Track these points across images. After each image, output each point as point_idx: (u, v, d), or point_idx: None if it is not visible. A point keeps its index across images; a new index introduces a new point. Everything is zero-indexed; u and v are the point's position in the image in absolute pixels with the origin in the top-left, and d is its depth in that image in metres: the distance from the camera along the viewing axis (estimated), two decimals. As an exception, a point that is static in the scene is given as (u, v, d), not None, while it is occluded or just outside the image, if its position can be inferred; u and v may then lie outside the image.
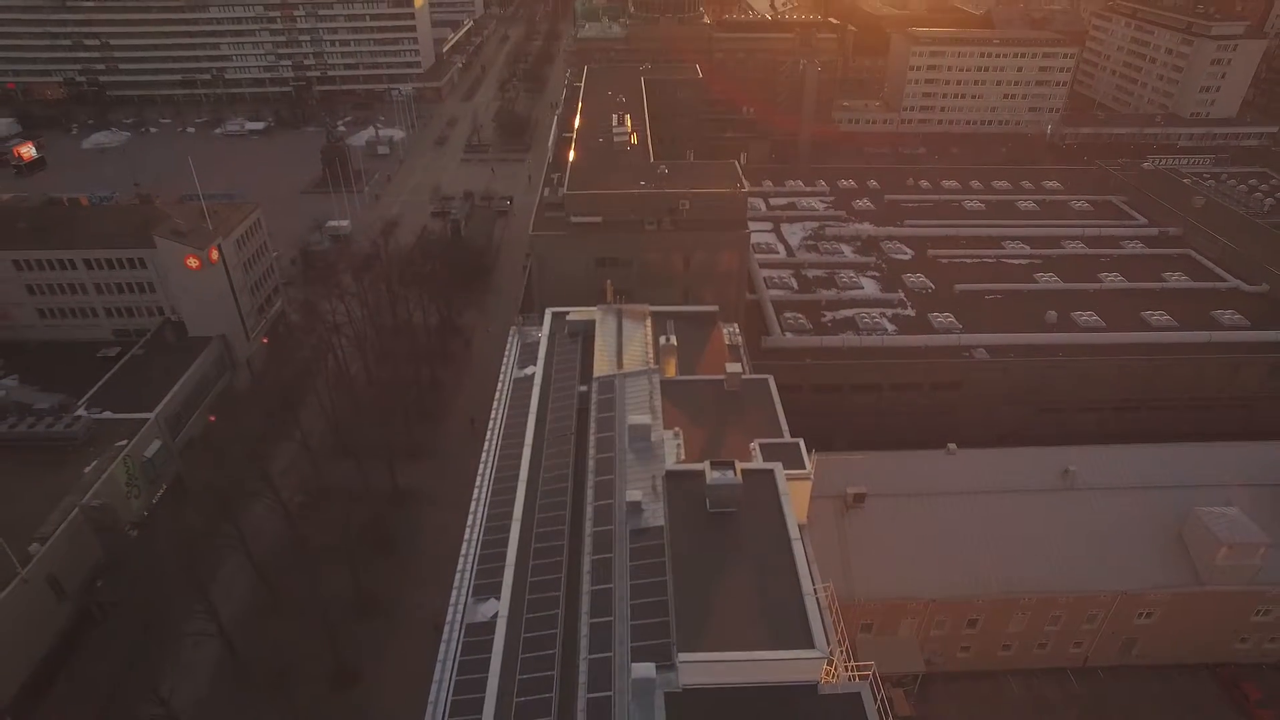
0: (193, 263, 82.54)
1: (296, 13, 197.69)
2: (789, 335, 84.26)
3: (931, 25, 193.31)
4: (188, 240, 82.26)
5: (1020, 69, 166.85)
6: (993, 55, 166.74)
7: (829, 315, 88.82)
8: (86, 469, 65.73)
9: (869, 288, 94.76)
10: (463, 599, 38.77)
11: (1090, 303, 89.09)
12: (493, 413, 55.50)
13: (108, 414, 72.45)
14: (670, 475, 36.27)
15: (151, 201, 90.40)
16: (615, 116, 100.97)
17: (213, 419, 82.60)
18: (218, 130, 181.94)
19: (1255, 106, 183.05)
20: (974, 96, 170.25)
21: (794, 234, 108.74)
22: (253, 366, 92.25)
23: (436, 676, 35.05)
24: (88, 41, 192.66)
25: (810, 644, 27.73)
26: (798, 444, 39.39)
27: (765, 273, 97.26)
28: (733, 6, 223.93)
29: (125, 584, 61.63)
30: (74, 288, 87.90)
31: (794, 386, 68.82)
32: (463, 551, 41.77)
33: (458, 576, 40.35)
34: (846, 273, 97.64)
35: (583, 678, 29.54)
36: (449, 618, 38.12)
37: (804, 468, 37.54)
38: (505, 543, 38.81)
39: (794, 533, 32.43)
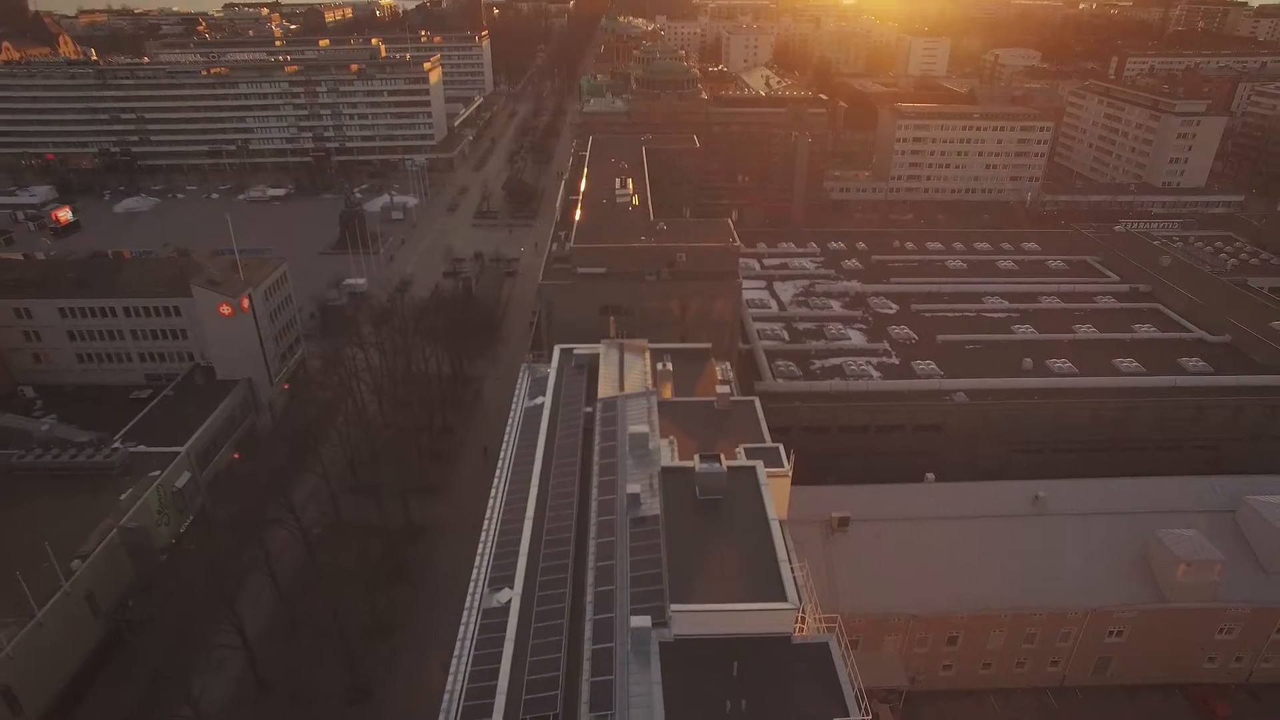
0: (225, 310, 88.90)
1: (319, 89, 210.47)
2: (780, 380, 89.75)
3: (918, 102, 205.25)
4: (222, 289, 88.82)
5: (1000, 141, 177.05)
6: (974, 128, 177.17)
7: (818, 363, 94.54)
8: (123, 496, 70.44)
9: (856, 338, 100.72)
10: (479, 589, 43.18)
11: (1064, 351, 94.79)
12: (505, 439, 60.58)
13: (142, 447, 77.57)
14: (665, 471, 41.33)
15: (188, 255, 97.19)
16: (618, 180, 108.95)
17: (237, 456, 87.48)
18: (241, 196, 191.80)
19: (1224, 177, 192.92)
20: (958, 167, 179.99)
21: (786, 291, 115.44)
22: (274, 410, 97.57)
23: (456, 652, 39.19)
24: (124, 115, 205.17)
25: (784, 597, 32.40)
26: (778, 448, 44.51)
27: (758, 325, 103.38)
28: (729, 83, 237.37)
29: (155, 604, 65.60)
30: (112, 334, 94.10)
31: (785, 428, 73.69)
32: (479, 550, 46.30)
33: (474, 570, 44.82)
34: (835, 325, 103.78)
35: (587, 633, 34.07)
36: (467, 604, 42.44)
37: (783, 466, 42.52)
38: (519, 539, 43.50)
39: (771, 514, 37.29)
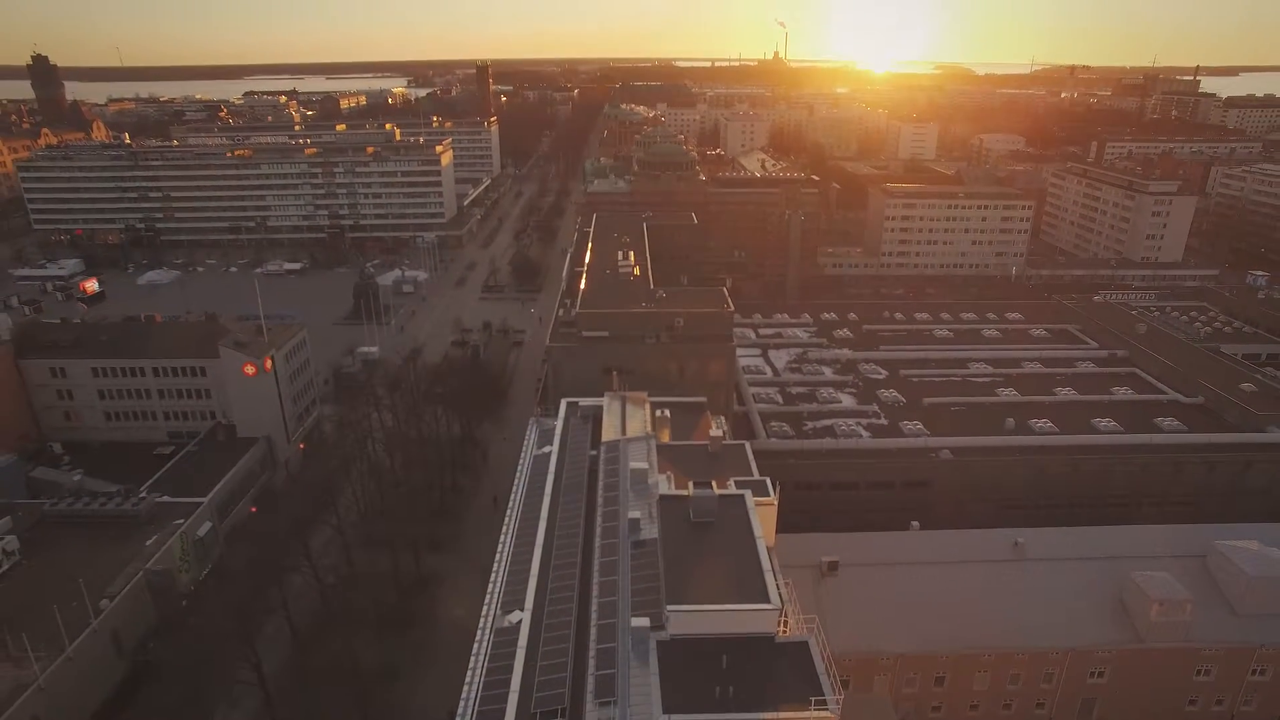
0: (249, 370, 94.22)
1: (336, 169, 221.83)
2: (774, 439, 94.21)
3: (907, 183, 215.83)
4: (247, 351, 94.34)
5: (985, 219, 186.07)
6: (959, 207, 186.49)
7: (810, 424, 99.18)
8: (149, 541, 74.16)
9: (846, 401, 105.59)
10: (492, 611, 46.91)
11: (1045, 412, 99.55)
12: (514, 484, 64.82)
13: (166, 498, 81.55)
14: (663, 499, 45.63)
15: (215, 319, 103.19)
16: (620, 253, 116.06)
17: (254, 510, 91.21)
18: (258, 270, 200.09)
19: (1200, 253, 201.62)
20: (945, 243, 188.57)
21: (780, 358, 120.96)
22: (290, 468, 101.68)
23: (471, 665, 42.70)
24: (152, 193, 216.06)
25: (767, 599, 36.38)
26: (765, 480, 48.86)
27: (753, 389, 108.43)
28: (726, 166, 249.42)
29: (175, 647, 68.52)
30: (140, 393, 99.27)
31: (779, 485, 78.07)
32: (491, 578, 50.16)
33: (487, 595, 48.60)
34: (826, 389, 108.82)
35: (593, 636, 37.86)
36: (480, 625, 46.10)
37: (769, 496, 46.80)
38: (529, 566, 47.46)
39: (758, 534, 41.47)
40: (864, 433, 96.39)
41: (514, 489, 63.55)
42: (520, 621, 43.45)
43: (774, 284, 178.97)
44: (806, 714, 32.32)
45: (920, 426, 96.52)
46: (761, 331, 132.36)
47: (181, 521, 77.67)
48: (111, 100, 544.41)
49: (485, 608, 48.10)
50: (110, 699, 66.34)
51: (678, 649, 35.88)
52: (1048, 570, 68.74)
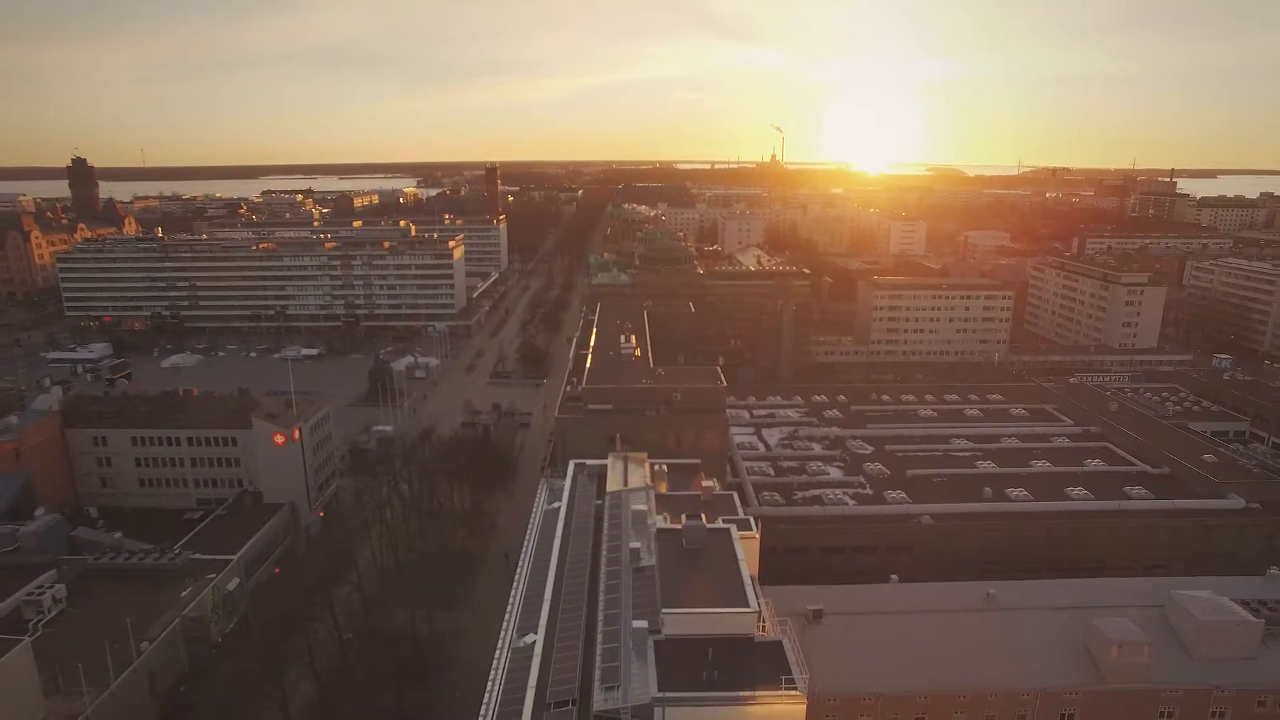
0: (279, 439, 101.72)
1: (354, 262, 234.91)
2: (766, 506, 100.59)
3: (896, 276, 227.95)
4: (278, 422, 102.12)
5: (968, 308, 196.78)
6: (944, 297, 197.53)
7: (800, 494, 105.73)
8: (184, 592, 79.89)
9: (834, 473, 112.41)
10: (509, 635, 53.05)
11: (1021, 482, 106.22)
12: (526, 536, 71.32)
13: (199, 555, 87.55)
14: (659, 532, 52.52)
15: (247, 393, 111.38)
16: (623, 336, 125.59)
17: (277, 570, 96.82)
18: (276, 355, 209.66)
19: (1176, 340, 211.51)
20: (931, 331, 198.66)
21: (772, 436, 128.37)
22: (309, 534, 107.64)
23: (491, 677, 48.67)
24: (179, 283, 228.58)
25: (747, 604, 42.94)
26: (749, 519, 55.72)
27: (746, 464, 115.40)
28: (723, 260, 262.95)
29: (205, 692, 73.48)
30: (174, 461, 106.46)
31: (769, 549, 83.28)
32: (508, 607, 56.41)
33: (504, 621, 54.79)
34: (815, 463, 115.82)
35: (599, 639, 44.19)
36: (498, 646, 52.16)
37: (752, 531, 53.55)
38: (541, 597, 53.85)
39: (741, 557, 48.17)
40: (850, 501, 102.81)
41: (526, 538, 70.16)
42: (534, 642, 49.70)
43: (768, 369, 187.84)
44: (778, 693, 38.59)
45: (903, 495, 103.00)
46: (755, 412, 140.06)
47: (214, 575, 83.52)
48: (136, 198, 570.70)
49: (503, 632, 54.28)
50: (142, 740, 70.78)
51: (671, 646, 42.29)
52: (1018, 618, 74.18)
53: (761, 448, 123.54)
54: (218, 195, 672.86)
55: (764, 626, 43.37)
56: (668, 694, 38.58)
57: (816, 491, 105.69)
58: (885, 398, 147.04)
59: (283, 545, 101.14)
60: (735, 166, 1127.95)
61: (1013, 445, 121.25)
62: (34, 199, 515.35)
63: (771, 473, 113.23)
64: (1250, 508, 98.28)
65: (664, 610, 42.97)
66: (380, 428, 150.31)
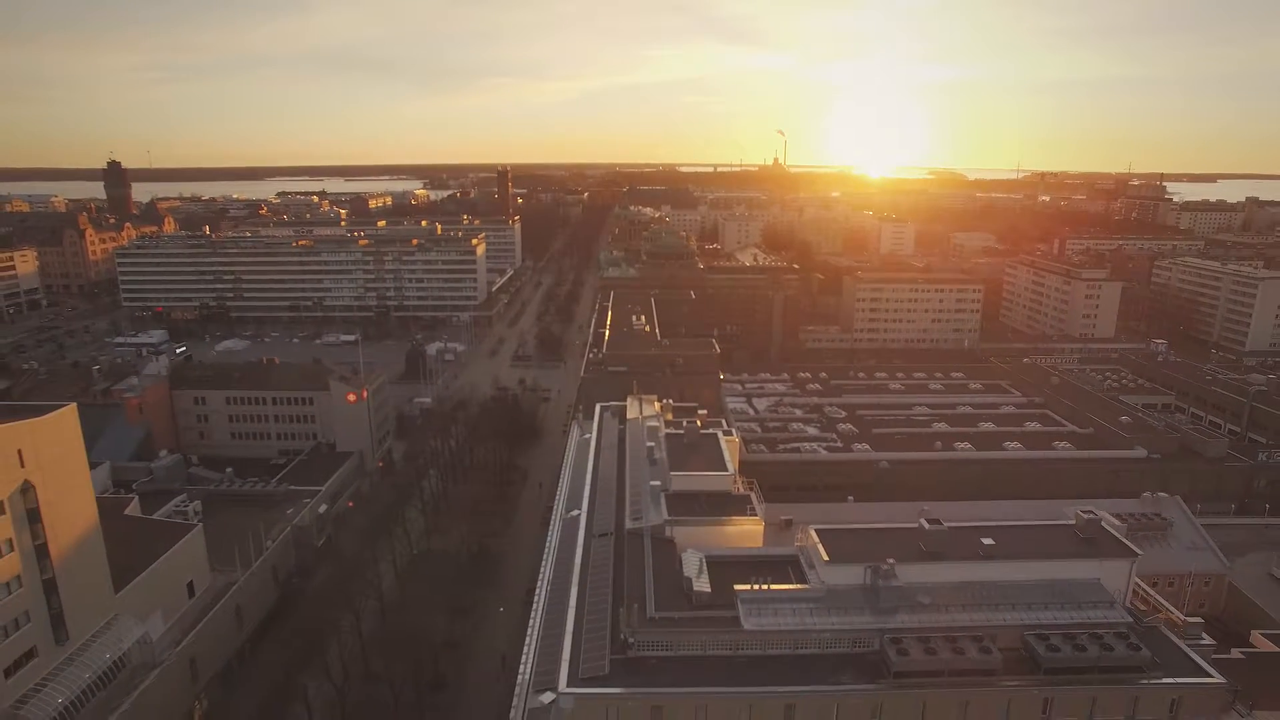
0: (351, 398, 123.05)
1: (386, 258, 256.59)
2: (754, 454, 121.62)
3: (881, 272, 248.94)
4: (350, 384, 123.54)
5: (941, 300, 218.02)
6: (919, 290, 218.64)
7: (781, 446, 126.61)
8: (289, 510, 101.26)
9: (811, 431, 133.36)
10: (558, 511, 74.33)
11: (968, 439, 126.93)
12: (564, 458, 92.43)
13: (293, 486, 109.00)
14: (668, 435, 73.84)
15: (320, 363, 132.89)
16: (634, 317, 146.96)
17: (351, 504, 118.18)
18: (318, 340, 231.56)
19: (1138, 331, 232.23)
20: (909, 321, 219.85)
21: (761, 404, 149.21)
22: (372, 480, 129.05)
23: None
24: (225, 276, 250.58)
25: (725, 470, 64.24)
26: (732, 429, 77.06)
27: (738, 424, 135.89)
28: (722, 258, 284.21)
29: (310, 581, 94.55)
30: (260, 418, 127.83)
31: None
32: (556, 495, 77.74)
33: (555, 503, 76.11)
34: (796, 424, 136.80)
35: (627, 499, 65.53)
36: (550, 525, 73.48)
37: (733, 436, 74.88)
38: (584, 483, 75.04)
39: (724, 447, 69.46)
40: (823, 451, 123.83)
41: (564, 459, 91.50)
42: (579, 514, 71.01)
43: (760, 353, 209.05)
44: (744, 518, 59.94)
45: (867, 447, 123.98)
46: (747, 386, 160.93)
47: (308, 500, 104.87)
48: (155, 199, 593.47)
49: (554, 512, 75.65)
50: (265, 617, 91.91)
51: (676, 496, 63.62)
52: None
53: (751, 412, 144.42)
54: (235, 196, 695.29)
55: (739, 486, 64.68)
56: (673, 518, 59.87)
57: (796, 444, 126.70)
58: (861, 375, 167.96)
59: (354, 485, 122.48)
60: (738, 170, 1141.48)
61: (965, 411, 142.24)
62: (65, 200, 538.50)
63: (759, 430, 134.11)
64: (1151, 457, 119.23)
65: (672, 473, 64.33)
66: (420, 399, 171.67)
